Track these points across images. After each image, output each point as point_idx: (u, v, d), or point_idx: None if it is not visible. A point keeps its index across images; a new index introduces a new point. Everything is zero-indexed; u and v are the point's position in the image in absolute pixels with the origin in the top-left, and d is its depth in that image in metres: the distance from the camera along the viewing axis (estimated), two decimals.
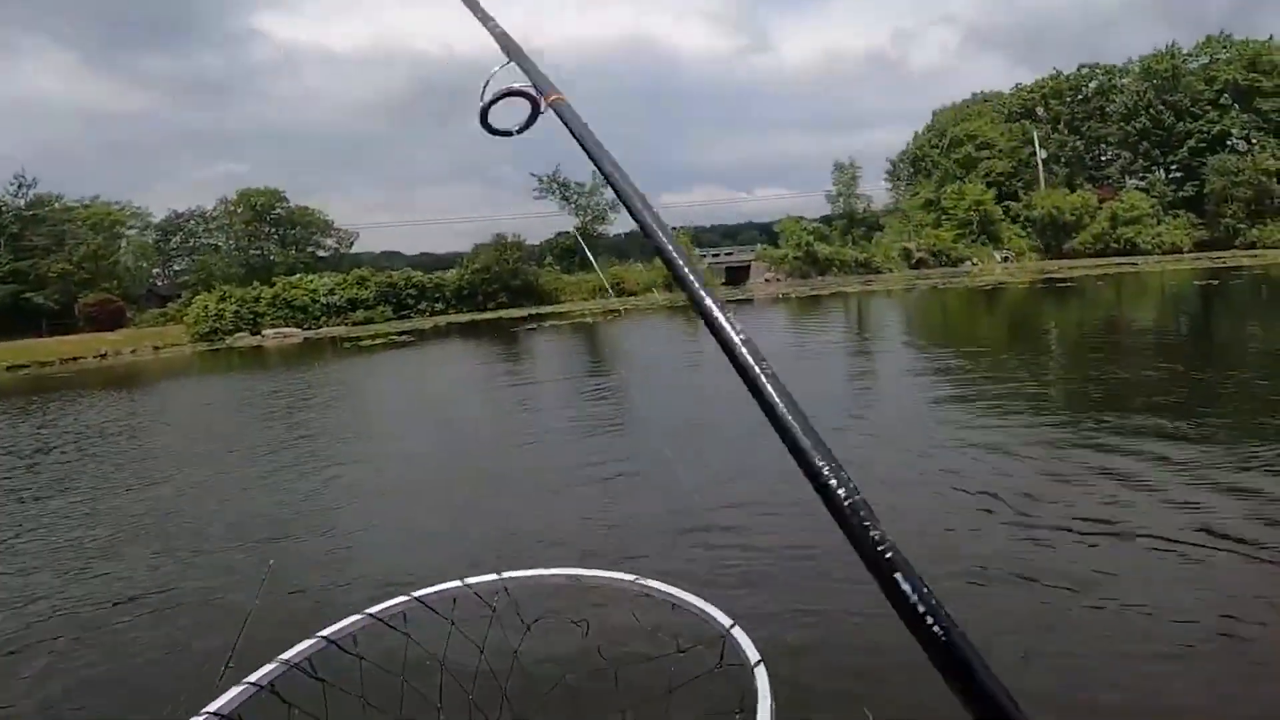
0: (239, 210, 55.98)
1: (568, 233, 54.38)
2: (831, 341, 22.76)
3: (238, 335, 41.99)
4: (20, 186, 52.12)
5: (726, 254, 58.81)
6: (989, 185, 62.26)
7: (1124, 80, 64.63)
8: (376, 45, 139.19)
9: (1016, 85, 71.84)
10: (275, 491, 9.18)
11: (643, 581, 1.64)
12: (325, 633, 1.46)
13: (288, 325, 42.66)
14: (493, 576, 1.70)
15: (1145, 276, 39.76)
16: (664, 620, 1.64)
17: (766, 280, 52.45)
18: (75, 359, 38.08)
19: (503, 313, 44.18)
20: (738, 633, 1.45)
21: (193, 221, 57.21)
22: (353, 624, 1.51)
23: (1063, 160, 66.41)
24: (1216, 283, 31.81)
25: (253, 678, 1.32)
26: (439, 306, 45.90)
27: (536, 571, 1.73)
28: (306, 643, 1.43)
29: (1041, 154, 65.93)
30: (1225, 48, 60.18)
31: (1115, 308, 27.49)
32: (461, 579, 1.68)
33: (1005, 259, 58.80)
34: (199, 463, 11.18)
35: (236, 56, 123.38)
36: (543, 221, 73.32)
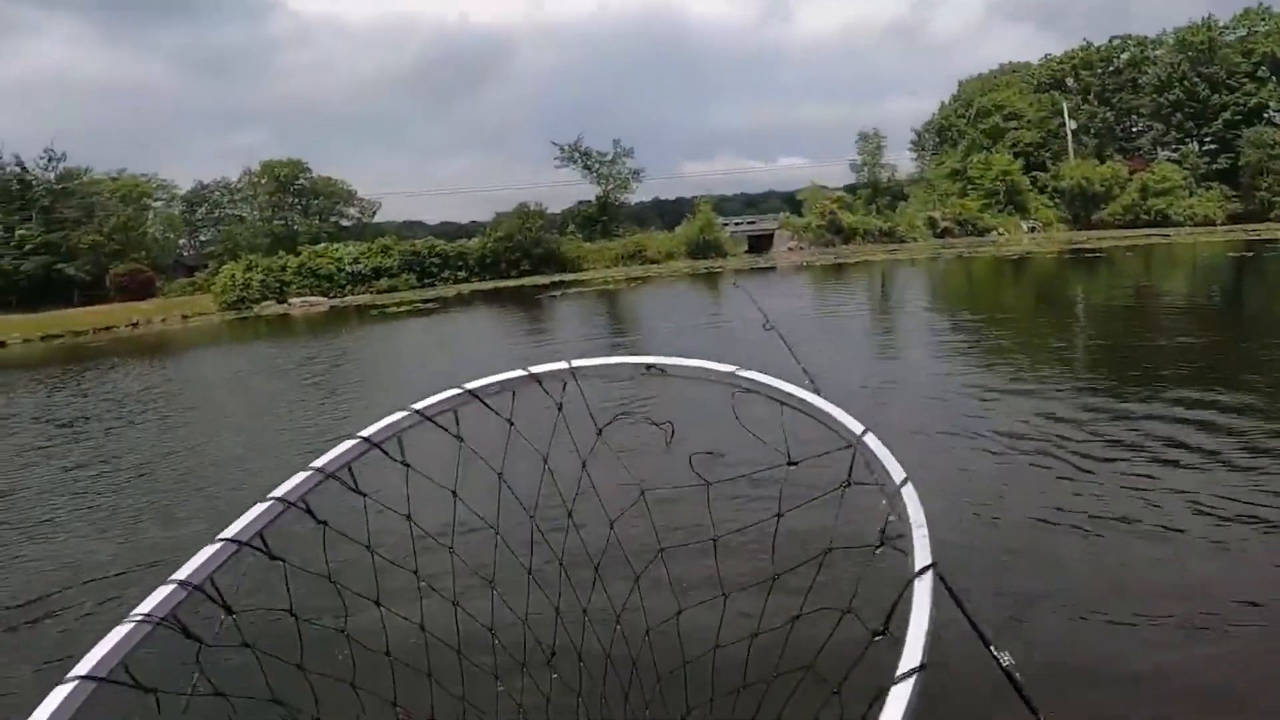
0: (263, 181, 56.46)
1: (589, 201, 54.35)
2: (856, 307, 22.68)
3: (264, 304, 42.58)
4: (50, 160, 52.95)
5: (749, 222, 58.47)
6: (1016, 156, 61.24)
7: (1157, 52, 62.98)
8: (391, 15, 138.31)
9: (1045, 56, 70.26)
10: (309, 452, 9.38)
11: (745, 374, 1.35)
12: (366, 432, 1.30)
13: (313, 294, 43.18)
14: (561, 365, 1.45)
15: (1176, 248, 39.03)
16: (770, 422, 1.36)
17: (790, 249, 52.16)
18: (108, 328, 38.74)
19: (525, 280, 44.42)
20: (871, 441, 1.19)
21: (218, 193, 57.80)
22: (397, 422, 1.32)
23: (1092, 131, 65.03)
24: (1251, 255, 31.17)
25: (293, 482, 1.21)
26: (462, 274, 46.23)
27: (612, 360, 1.46)
28: (348, 443, 1.28)
29: (1071, 125, 64.56)
30: (1264, 20, 58.43)
31: (1145, 277, 27.08)
32: (525, 367, 1.45)
33: (1032, 229, 57.95)
34: (235, 428, 11.47)
35: (255, 29, 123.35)
36: (563, 190, 73.47)
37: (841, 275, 35.77)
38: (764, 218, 59.76)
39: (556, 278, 44.39)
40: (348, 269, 44.42)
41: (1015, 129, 63.89)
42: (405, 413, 1.35)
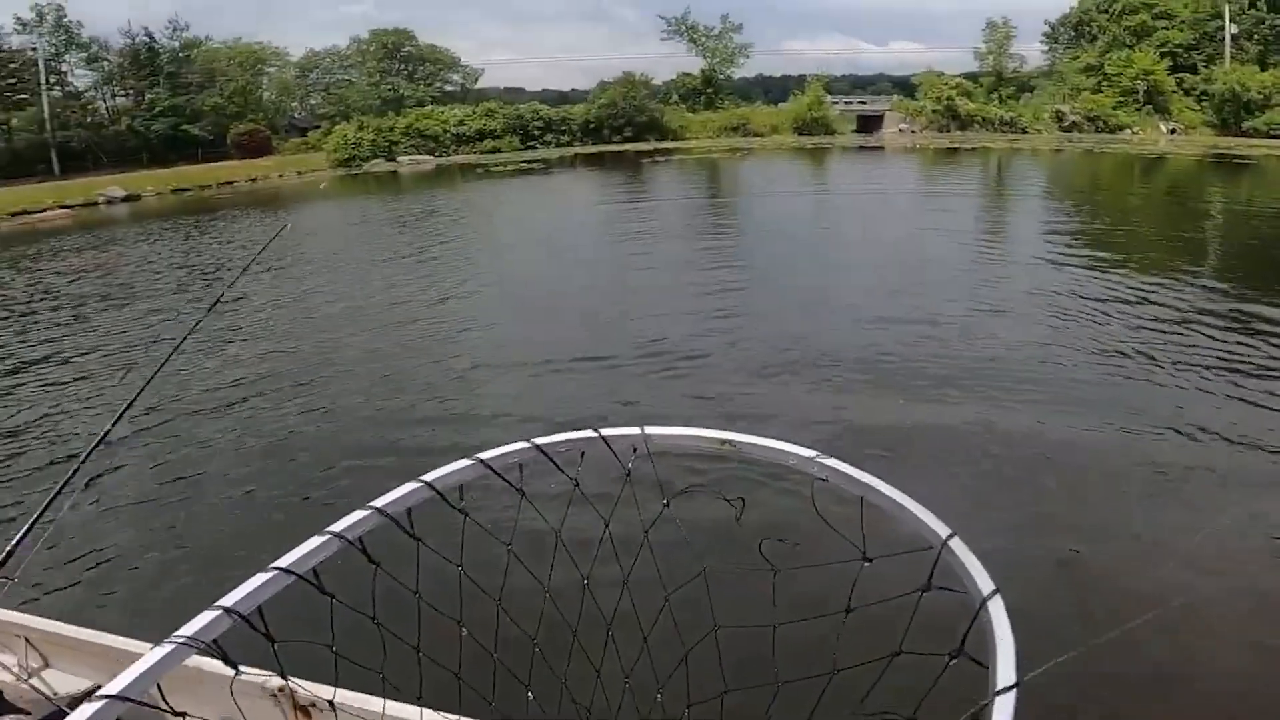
0: (371, 49, 57.37)
1: (691, 74, 53.16)
2: (965, 193, 21.52)
3: (374, 161, 43.88)
4: (175, 30, 55.48)
5: (860, 102, 55.88)
6: (1162, 56, 55.64)
7: None
8: None
9: None
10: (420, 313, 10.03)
11: (826, 461, 1.28)
12: (429, 477, 1.30)
13: (420, 153, 44.18)
14: (634, 430, 1.40)
15: None
16: (849, 514, 1.27)
17: (900, 130, 49.66)
18: (229, 183, 40.72)
19: (628, 146, 44.35)
20: (958, 546, 1.10)
21: (328, 59, 59.11)
22: (460, 470, 1.33)
23: (1255, 38, 58.09)
24: None
25: (348, 520, 1.19)
26: (565, 139, 46.52)
27: (686, 431, 1.40)
28: (408, 486, 1.28)
29: (1232, 29, 57.88)
30: None
31: None
32: (595, 428, 1.40)
33: (1172, 131, 53.11)
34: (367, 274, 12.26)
35: None
36: (666, 62, 71.31)
37: (954, 159, 33.94)
38: (875, 99, 56.89)
39: (658, 145, 43.94)
40: (453, 130, 45.28)
41: (1165, 28, 57.85)
42: (470, 462, 1.33)
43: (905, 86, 56.09)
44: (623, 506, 1.43)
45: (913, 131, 49.02)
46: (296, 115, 57.54)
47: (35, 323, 10.90)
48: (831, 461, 1.28)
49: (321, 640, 1.25)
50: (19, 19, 50.12)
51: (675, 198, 21.55)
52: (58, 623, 1.92)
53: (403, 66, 57.18)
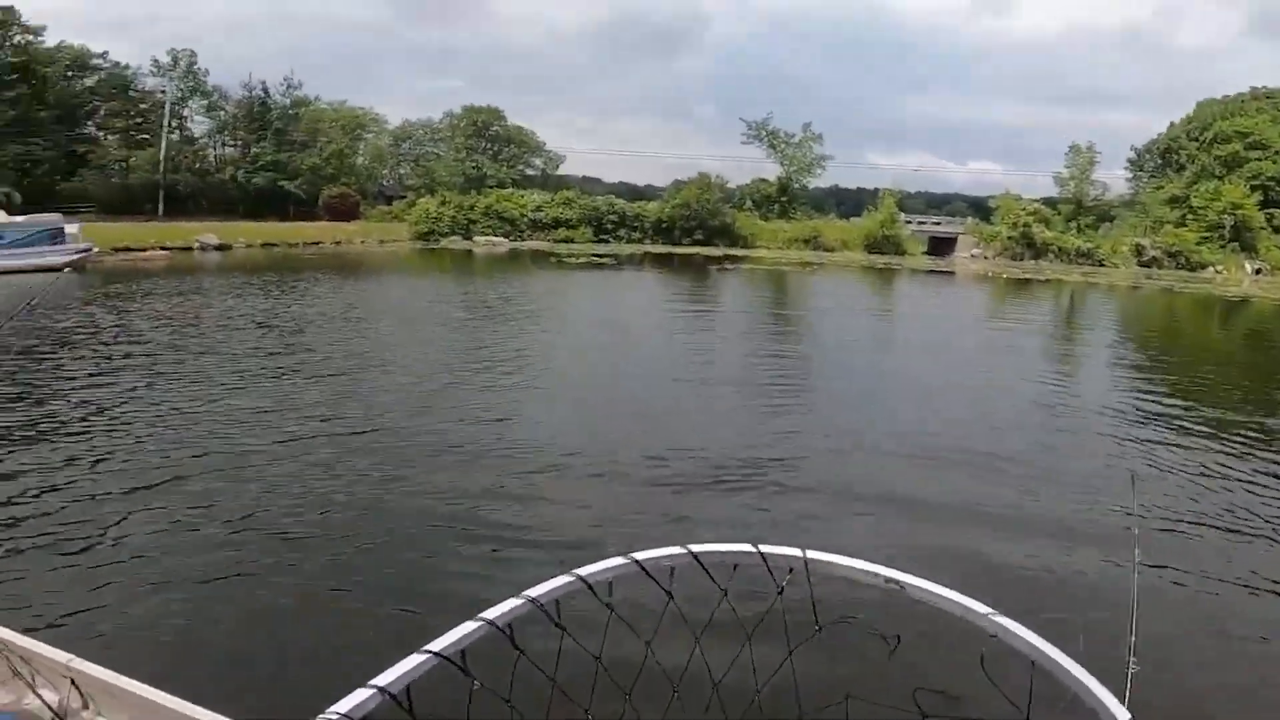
0: (461, 124, 60.10)
1: (764, 179, 53.91)
2: (1035, 326, 21.19)
3: (451, 238, 45.62)
4: (288, 87, 59.07)
5: (934, 223, 55.74)
6: (1254, 189, 54.22)
7: None
8: None
9: None
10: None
11: (1000, 619, 1.25)
12: (583, 571, 1.33)
13: (495, 235, 45.73)
14: (794, 551, 1.39)
15: None
16: (1014, 674, 1.25)
17: (973, 256, 49.17)
18: (316, 243, 42.49)
19: (697, 249, 44.98)
20: None
21: (420, 130, 62.13)
22: (612, 567, 1.35)
23: None
24: None
25: (502, 608, 1.24)
26: (636, 235, 47.57)
27: (851, 563, 1.38)
28: (561, 580, 1.31)
29: None
30: None
31: None
32: (754, 544, 1.40)
33: (1258, 271, 51.35)
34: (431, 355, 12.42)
35: None
36: (740, 165, 73.01)
37: (1028, 290, 33.39)
38: (948, 220, 56.67)
39: (728, 251, 44.48)
40: (530, 215, 46.72)
41: (1258, 159, 56.50)
42: (624, 561, 1.36)
43: (981, 208, 55.80)
44: (770, 622, 1.42)
45: (985, 258, 48.50)
46: (385, 183, 60.36)
47: (108, 363, 11.25)
48: (1005, 620, 1.25)
49: None
50: (156, 61, 53.74)
51: (741, 310, 21.61)
52: (102, 668, 1.87)
53: (489, 145, 59.64)
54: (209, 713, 1.17)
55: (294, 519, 5.82)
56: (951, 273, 42.16)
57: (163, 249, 31.96)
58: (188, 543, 5.38)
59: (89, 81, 53.67)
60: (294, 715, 1.20)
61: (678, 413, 9.55)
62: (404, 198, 53.70)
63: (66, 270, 24.00)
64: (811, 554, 1.38)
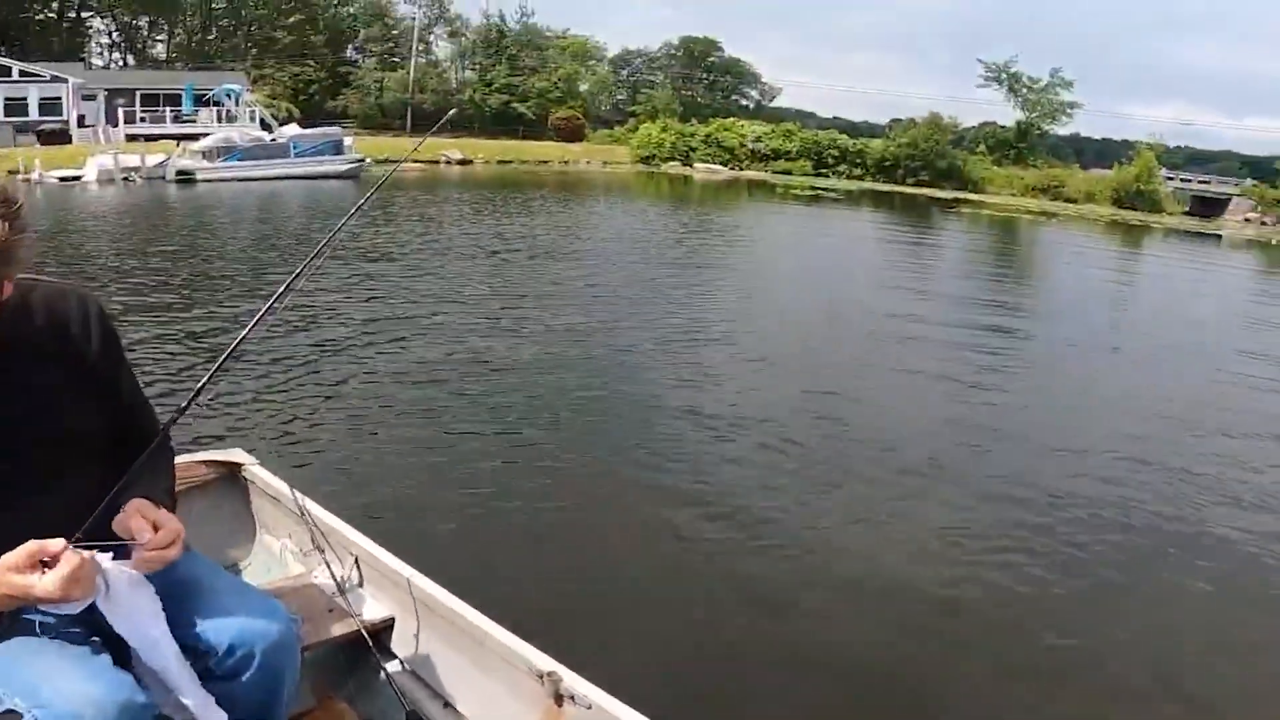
0: (679, 54, 61.10)
1: (993, 122, 50.47)
2: None
3: (670, 163, 47.27)
4: (522, 15, 63.04)
5: (1201, 180, 49.63)
6: None
7: None
8: None
9: None
10: None
11: None
12: None
13: (714, 162, 46.78)
14: None
15: None
16: None
17: (1247, 219, 43.24)
18: (545, 161, 45.59)
19: (922, 190, 43.61)
20: None
21: (639, 59, 63.90)
22: None
23: None
24: None
25: None
26: (857, 172, 46.88)
27: None
28: None
29: None
30: None
31: None
32: None
33: None
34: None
35: None
36: (971, 107, 68.18)
37: None
38: (1219, 179, 49.93)
39: (956, 194, 42.46)
40: (750, 145, 47.20)
41: None
42: None
43: (1260, 169, 48.46)
44: None
45: (1263, 223, 42.39)
46: (604, 109, 63.06)
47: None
48: None
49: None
50: None
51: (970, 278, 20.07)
52: (375, 544, 2.03)
53: (705, 75, 60.23)
54: (475, 611, 1.52)
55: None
56: (1217, 235, 37.73)
57: (416, 161, 35.77)
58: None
59: (351, 9, 60.21)
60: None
61: None
62: (623, 123, 55.88)
63: (348, 177, 27.87)
64: None
